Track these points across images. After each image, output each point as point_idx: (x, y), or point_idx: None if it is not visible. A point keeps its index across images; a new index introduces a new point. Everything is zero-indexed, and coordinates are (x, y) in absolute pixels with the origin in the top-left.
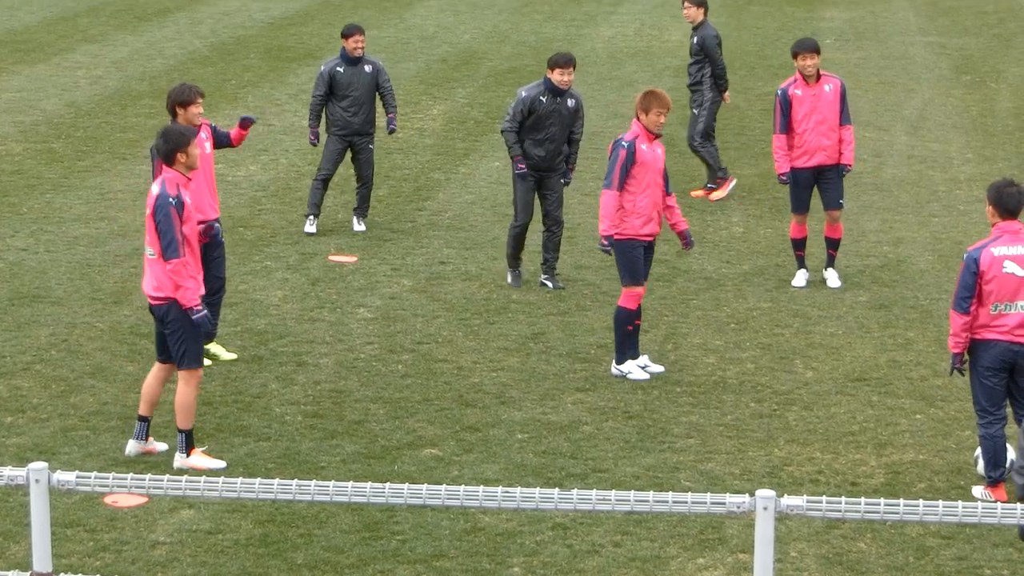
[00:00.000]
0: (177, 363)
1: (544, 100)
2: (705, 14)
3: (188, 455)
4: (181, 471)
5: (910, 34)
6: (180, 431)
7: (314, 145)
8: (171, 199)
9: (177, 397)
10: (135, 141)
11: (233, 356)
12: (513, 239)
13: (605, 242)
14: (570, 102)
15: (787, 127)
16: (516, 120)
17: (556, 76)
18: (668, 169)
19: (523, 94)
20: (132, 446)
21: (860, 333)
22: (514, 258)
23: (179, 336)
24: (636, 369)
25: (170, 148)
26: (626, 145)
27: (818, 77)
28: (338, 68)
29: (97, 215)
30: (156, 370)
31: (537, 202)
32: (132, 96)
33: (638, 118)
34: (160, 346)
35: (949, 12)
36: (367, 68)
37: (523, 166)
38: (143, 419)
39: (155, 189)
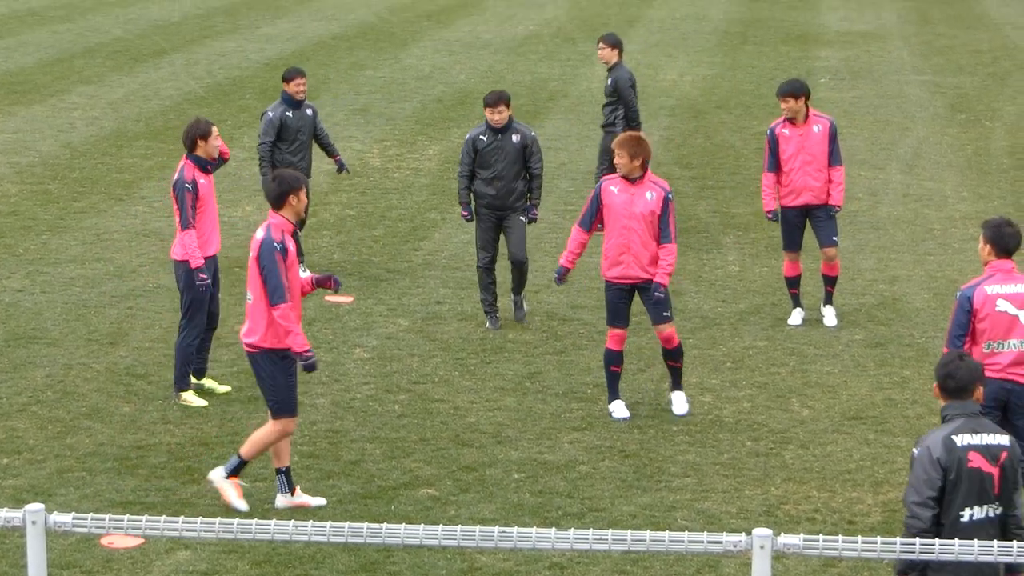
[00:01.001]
0: (271, 412)
1: (484, 139)
2: (620, 55)
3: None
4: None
5: (905, 73)
6: (277, 471)
7: None
8: (276, 244)
9: (259, 430)
10: (131, 182)
11: (227, 389)
12: (480, 277)
13: (556, 272)
14: (515, 138)
15: (775, 166)
16: (465, 164)
17: (488, 115)
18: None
19: (467, 136)
20: (279, 501)
21: (856, 371)
22: (488, 302)
23: (265, 386)
24: (618, 408)
25: (283, 191)
26: (597, 185)
27: (807, 117)
28: (286, 113)
29: (93, 256)
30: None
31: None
32: (128, 137)
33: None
34: None
35: (944, 51)
36: (308, 111)
37: (465, 214)
38: (279, 471)
39: (260, 234)
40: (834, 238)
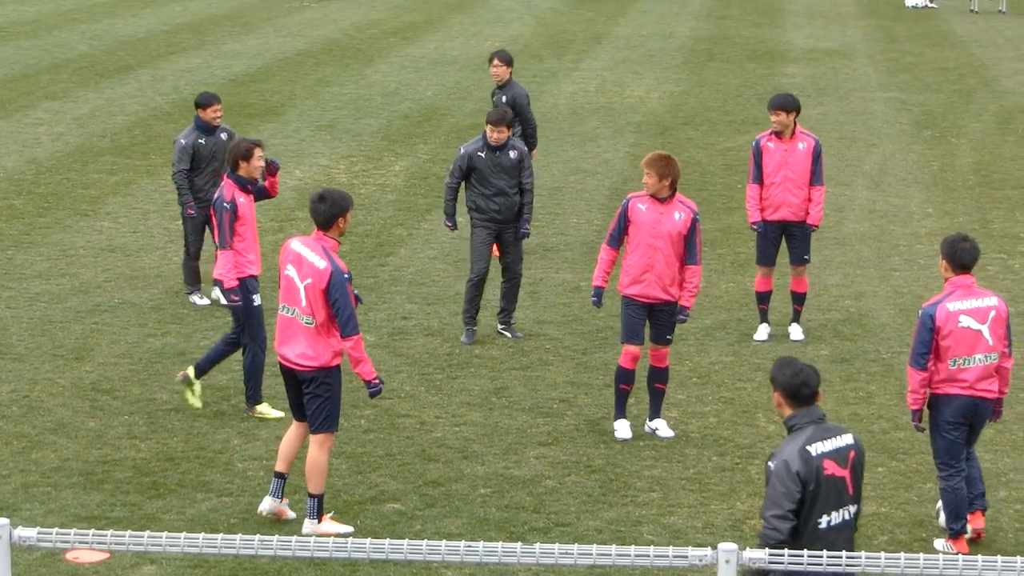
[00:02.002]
0: (314, 428)
1: (483, 155)
2: (511, 73)
3: (320, 521)
4: (309, 536)
5: (871, 90)
6: (311, 495)
7: (193, 218)
8: (345, 275)
9: (308, 461)
10: (96, 198)
11: (280, 414)
12: (468, 291)
13: (594, 295)
14: (512, 154)
15: (760, 178)
16: (455, 176)
17: (488, 132)
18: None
19: (462, 150)
20: (267, 503)
21: (822, 387)
22: (469, 315)
23: (322, 402)
24: (623, 428)
25: (336, 212)
26: (624, 202)
27: (793, 134)
28: (199, 140)
29: (58, 271)
30: (294, 428)
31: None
32: (93, 152)
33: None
34: (296, 407)
35: (910, 68)
36: (223, 136)
37: (450, 224)
38: (280, 476)
39: (320, 262)
40: (805, 256)
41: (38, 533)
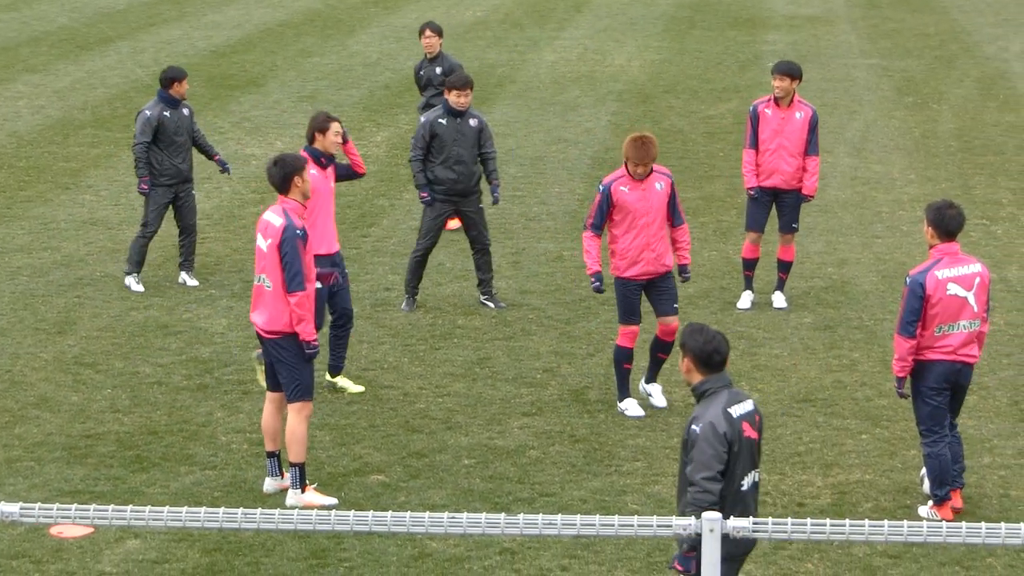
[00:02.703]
0: (289, 396)
1: (444, 122)
2: (441, 44)
3: (303, 491)
4: (294, 507)
5: (852, 57)
6: (292, 465)
7: (145, 195)
8: (298, 231)
9: (287, 431)
10: (78, 171)
11: (360, 389)
12: (413, 264)
13: (595, 281)
14: (472, 122)
15: (756, 143)
16: (419, 147)
17: (453, 98)
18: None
19: (423, 119)
20: (269, 484)
21: (805, 354)
22: (411, 285)
23: (290, 369)
24: (632, 406)
25: (289, 171)
26: (602, 189)
27: (791, 102)
28: (165, 113)
29: (40, 245)
30: (268, 401)
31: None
32: (74, 126)
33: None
34: (271, 376)
35: (891, 34)
36: (185, 111)
37: (425, 195)
38: (271, 455)
39: (277, 220)
40: (794, 225)
41: (21, 508)
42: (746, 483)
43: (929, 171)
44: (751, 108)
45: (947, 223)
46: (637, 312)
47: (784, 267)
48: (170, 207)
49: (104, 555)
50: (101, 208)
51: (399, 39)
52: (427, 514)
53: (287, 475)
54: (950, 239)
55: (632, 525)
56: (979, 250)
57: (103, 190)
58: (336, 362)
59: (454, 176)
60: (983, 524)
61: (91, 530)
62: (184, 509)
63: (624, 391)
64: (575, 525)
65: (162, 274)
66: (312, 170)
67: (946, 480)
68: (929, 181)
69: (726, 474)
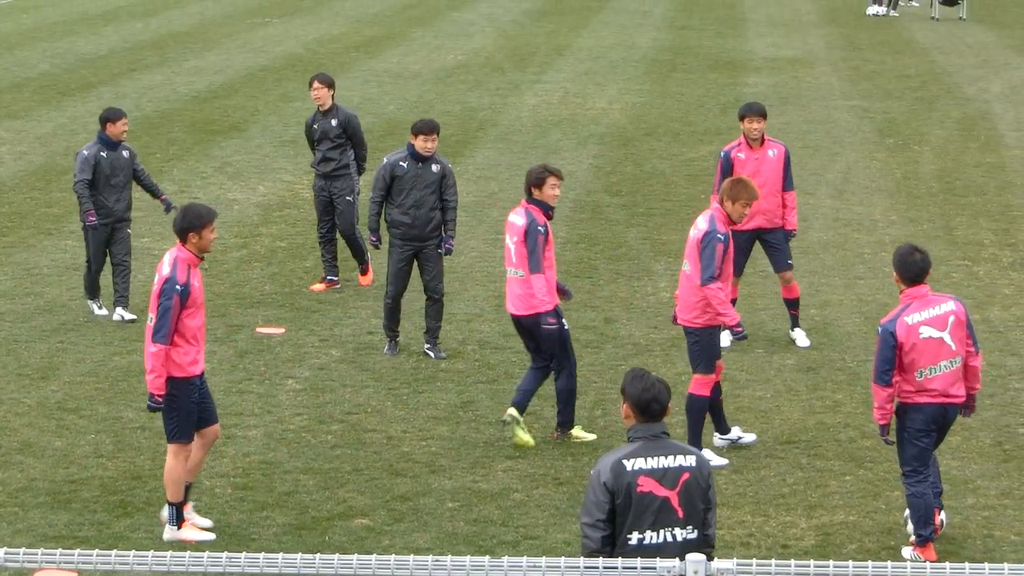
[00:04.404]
0: (167, 437)
1: (405, 165)
2: (333, 96)
3: (179, 527)
4: (171, 543)
5: (833, 98)
6: (169, 504)
7: (94, 227)
8: (178, 286)
9: (165, 470)
10: (60, 216)
11: (592, 436)
12: (387, 309)
13: (740, 330)
14: (435, 167)
15: None
16: (379, 189)
17: (419, 143)
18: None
19: (385, 160)
20: (167, 533)
21: (788, 396)
22: (390, 329)
23: (167, 412)
24: (715, 457)
25: (184, 226)
26: (723, 238)
27: (762, 142)
28: (102, 153)
29: (23, 291)
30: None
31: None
32: (56, 171)
33: (722, 205)
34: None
35: (872, 76)
36: (124, 153)
37: (375, 239)
38: (182, 503)
39: (165, 270)
40: (789, 261)
41: (5, 553)
42: (637, 539)
43: (911, 212)
44: (722, 155)
45: (909, 268)
46: (719, 354)
47: (792, 304)
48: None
49: None
50: (83, 254)
51: (380, 83)
52: (412, 557)
53: (190, 506)
54: (917, 283)
55: (616, 568)
56: (961, 291)
57: None
58: (564, 418)
59: (408, 221)
60: (966, 564)
61: (75, 575)
62: (169, 553)
63: (699, 437)
64: (559, 568)
65: (145, 318)
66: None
67: (930, 520)
68: (911, 222)
69: (612, 524)
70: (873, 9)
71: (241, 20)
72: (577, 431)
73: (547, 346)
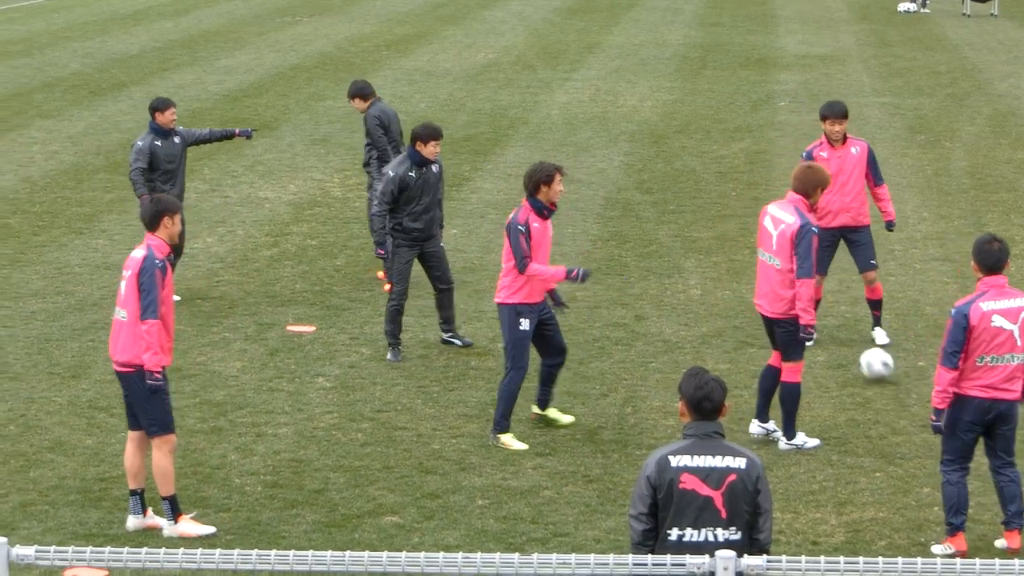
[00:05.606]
0: (148, 431)
1: (413, 175)
2: (366, 101)
3: (176, 522)
4: (171, 539)
5: (864, 95)
6: (163, 499)
7: None
8: (158, 262)
9: (153, 466)
10: (91, 215)
11: (571, 419)
12: (391, 313)
13: (812, 331)
14: (435, 168)
15: None
16: (386, 202)
17: (430, 149)
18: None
19: (391, 173)
20: (131, 522)
21: (819, 392)
22: (392, 335)
23: (144, 404)
24: (809, 439)
25: (157, 211)
26: (817, 230)
27: (844, 140)
28: (156, 142)
29: (54, 290)
30: (129, 439)
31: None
32: (88, 171)
33: (805, 198)
34: (130, 414)
35: (903, 73)
36: (176, 140)
37: (382, 252)
38: (134, 493)
39: (139, 252)
40: (872, 261)
41: (36, 551)
42: (676, 535)
43: (942, 209)
44: (804, 154)
45: (986, 256)
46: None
47: (875, 305)
48: None
49: None
50: (115, 252)
51: (412, 82)
52: (441, 555)
53: (150, 512)
54: (993, 273)
55: (646, 564)
56: None
57: (117, 234)
58: (543, 396)
59: (421, 226)
60: (996, 561)
61: (106, 573)
62: (199, 551)
63: (794, 425)
64: (589, 565)
65: (176, 317)
66: (535, 222)
67: (961, 509)
68: (942, 219)
69: (655, 518)
70: (904, 5)
71: (271, 19)
72: (507, 439)
73: (504, 340)
